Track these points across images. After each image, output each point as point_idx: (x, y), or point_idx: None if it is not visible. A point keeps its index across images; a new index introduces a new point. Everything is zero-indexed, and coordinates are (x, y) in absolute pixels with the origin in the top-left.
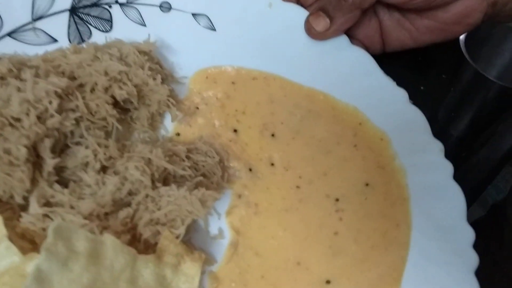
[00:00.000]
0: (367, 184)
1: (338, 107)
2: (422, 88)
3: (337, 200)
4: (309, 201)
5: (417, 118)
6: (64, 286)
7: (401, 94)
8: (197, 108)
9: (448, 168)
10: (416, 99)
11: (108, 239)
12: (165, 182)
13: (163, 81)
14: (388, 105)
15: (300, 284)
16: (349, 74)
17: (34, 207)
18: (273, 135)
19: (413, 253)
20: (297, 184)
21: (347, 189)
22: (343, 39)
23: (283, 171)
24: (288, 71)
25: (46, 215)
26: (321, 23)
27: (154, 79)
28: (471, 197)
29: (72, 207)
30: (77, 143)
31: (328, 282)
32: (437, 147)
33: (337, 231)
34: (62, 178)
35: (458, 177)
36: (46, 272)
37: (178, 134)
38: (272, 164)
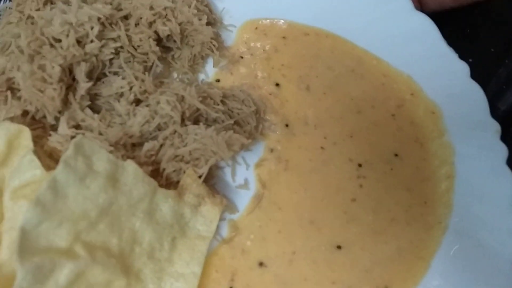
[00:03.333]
0: (396, 155)
1: (390, 75)
2: (470, 60)
3: (359, 165)
4: (331, 164)
5: (475, 95)
6: (79, 202)
7: (463, 68)
8: (242, 57)
9: (502, 151)
10: None
11: (130, 165)
12: (196, 123)
13: (211, 25)
14: (446, 78)
15: (311, 243)
16: (409, 41)
17: (63, 128)
18: (307, 88)
19: (450, 235)
20: (321, 145)
21: (372, 156)
22: (407, 3)
23: (313, 129)
24: (343, 30)
25: (74, 137)
26: None
27: (200, 19)
28: None
29: (100, 133)
30: (115, 73)
31: (339, 247)
32: (493, 127)
33: (355, 197)
34: (95, 106)
35: None
36: (61, 183)
37: (218, 81)
38: (307, 123)
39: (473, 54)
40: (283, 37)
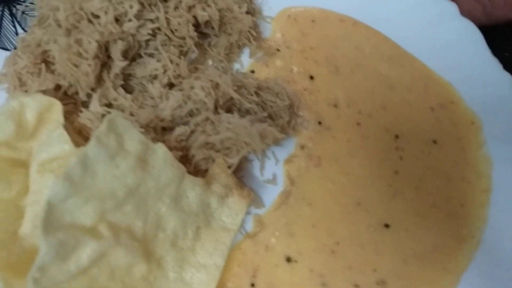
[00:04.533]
0: (434, 141)
1: (432, 79)
2: None
3: (396, 136)
4: (370, 136)
5: None
6: (107, 180)
7: (506, 79)
8: (278, 50)
9: None
10: None
11: (160, 148)
12: (229, 111)
13: (250, 14)
14: (488, 88)
15: (359, 226)
16: (453, 47)
17: (95, 105)
18: (336, 70)
19: (483, 252)
20: (357, 120)
21: (408, 130)
22: (453, 8)
23: (345, 109)
24: (384, 27)
25: (104, 116)
26: None
27: (240, 7)
28: None
29: (131, 114)
30: (150, 55)
31: (387, 225)
32: None
33: (397, 170)
34: (128, 86)
35: None
36: (92, 159)
37: (252, 71)
38: (336, 106)
39: None
40: (312, 21)
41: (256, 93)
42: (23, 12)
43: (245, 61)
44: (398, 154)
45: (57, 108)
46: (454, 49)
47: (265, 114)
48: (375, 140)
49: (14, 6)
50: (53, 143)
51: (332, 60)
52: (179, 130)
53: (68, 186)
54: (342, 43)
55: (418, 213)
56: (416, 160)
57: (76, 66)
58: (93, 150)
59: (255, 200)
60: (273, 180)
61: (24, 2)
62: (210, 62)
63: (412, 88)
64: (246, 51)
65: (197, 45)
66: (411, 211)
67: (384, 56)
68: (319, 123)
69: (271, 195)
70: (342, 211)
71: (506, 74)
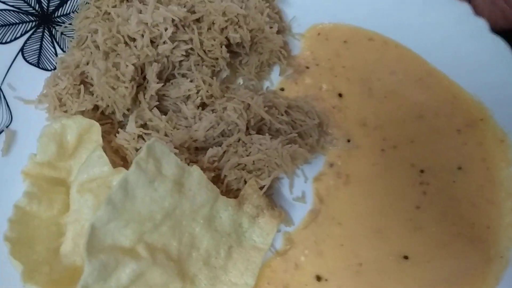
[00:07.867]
0: (459, 168)
1: (461, 97)
2: None
3: (422, 171)
4: (393, 168)
5: None
6: (146, 203)
7: None
8: (307, 67)
9: None
10: None
11: (195, 171)
12: (259, 132)
13: (280, 32)
14: None
15: (379, 253)
16: (483, 64)
17: (131, 126)
18: (370, 91)
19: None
20: (382, 147)
21: (434, 163)
22: (484, 24)
23: (372, 130)
24: (413, 44)
25: (140, 136)
26: None
27: (271, 27)
28: None
29: (166, 135)
30: (183, 75)
31: (406, 257)
32: None
33: (419, 205)
34: (162, 106)
35: None
36: (132, 184)
37: (282, 89)
38: (364, 125)
39: None
40: (345, 41)
41: (286, 112)
42: (62, 33)
43: (274, 79)
44: (421, 189)
45: (96, 129)
46: (484, 65)
47: (295, 134)
48: (398, 173)
49: (54, 27)
50: (93, 165)
51: (367, 82)
52: (211, 151)
53: (110, 210)
54: (378, 67)
55: (440, 244)
56: (440, 192)
57: (113, 88)
58: (133, 175)
59: (285, 218)
60: (302, 198)
61: (63, 23)
62: (241, 80)
63: (439, 112)
64: (276, 69)
65: (228, 64)
66: (433, 244)
67: (416, 79)
68: (348, 140)
69: (300, 213)
70: (364, 235)
71: None
